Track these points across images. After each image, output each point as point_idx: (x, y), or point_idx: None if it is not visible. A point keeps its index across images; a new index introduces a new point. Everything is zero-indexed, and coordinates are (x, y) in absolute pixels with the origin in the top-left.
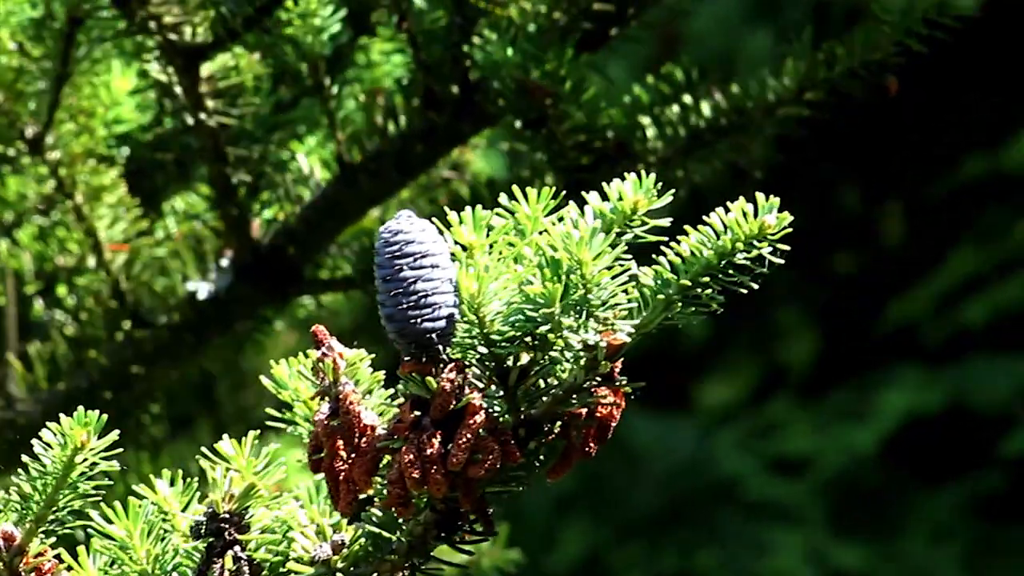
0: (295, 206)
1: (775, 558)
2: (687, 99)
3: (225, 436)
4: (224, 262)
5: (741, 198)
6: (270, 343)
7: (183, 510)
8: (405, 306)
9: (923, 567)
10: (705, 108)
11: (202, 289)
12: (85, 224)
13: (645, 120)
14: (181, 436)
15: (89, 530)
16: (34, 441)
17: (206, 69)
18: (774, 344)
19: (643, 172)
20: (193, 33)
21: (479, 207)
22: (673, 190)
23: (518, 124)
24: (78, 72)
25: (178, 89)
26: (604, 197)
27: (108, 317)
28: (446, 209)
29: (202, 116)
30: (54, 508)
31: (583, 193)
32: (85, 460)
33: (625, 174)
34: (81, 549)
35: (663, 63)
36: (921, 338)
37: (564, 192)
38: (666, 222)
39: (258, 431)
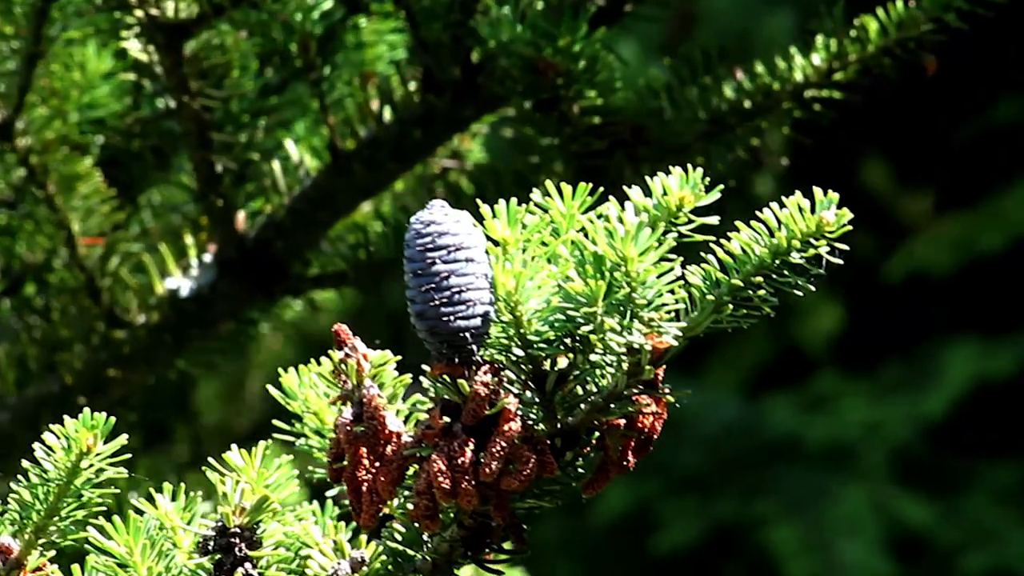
0: (283, 197)
1: (839, 507)
2: (707, 80)
3: (234, 447)
4: (207, 257)
5: (797, 192)
6: (253, 350)
7: (187, 525)
8: (437, 302)
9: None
10: (727, 90)
11: (183, 286)
12: (57, 216)
13: (662, 103)
14: (157, 447)
15: (86, 546)
16: (36, 445)
17: (189, 47)
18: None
19: (689, 168)
20: (176, 8)
21: (513, 200)
22: (722, 186)
23: (527, 106)
24: (51, 52)
25: (159, 69)
26: (647, 192)
27: (82, 317)
28: (478, 202)
29: (185, 98)
30: (56, 518)
31: (624, 188)
32: (91, 466)
33: (641, 161)
34: (76, 567)
35: (677, 44)
36: (972, 309)
37: (577, 180)
38: (714, 220)
39: (268, 441)
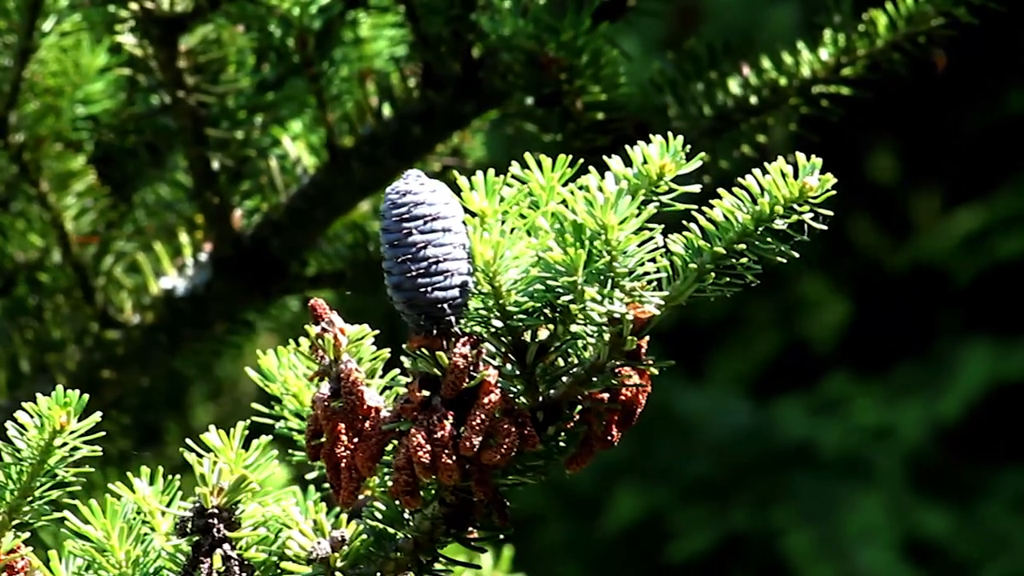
0: (280, 195)
1: (855, 514)
2: (712, 76)
3: (211, 428)
4: (202, 256)
5: (780, 158)
6: (247, 348)
7: (166, 508)
8: (414, 273)
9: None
10: (733, 85)
11: (179, 286)
12: (50, 214)
13: (667, 98)
14: (150, 449)
15: (63, 530)
16: (8, 423)
17: (185, 42)
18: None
19: (670, 136)
20: (171, 2)
21: (491, 171)
22: (703, 154)
23: (529, 101)
24: (44, 47)
25: (154, 64)
26: (627, 162)
27: (75, 317)
28: (455, 174)
29: (180, 94)
30: (29, 498)
31: (604, 158)
32: (64, 444)
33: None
34: (53, 553)
35: (680, 40)
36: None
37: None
38: (695, 188)
39: (248, 421)
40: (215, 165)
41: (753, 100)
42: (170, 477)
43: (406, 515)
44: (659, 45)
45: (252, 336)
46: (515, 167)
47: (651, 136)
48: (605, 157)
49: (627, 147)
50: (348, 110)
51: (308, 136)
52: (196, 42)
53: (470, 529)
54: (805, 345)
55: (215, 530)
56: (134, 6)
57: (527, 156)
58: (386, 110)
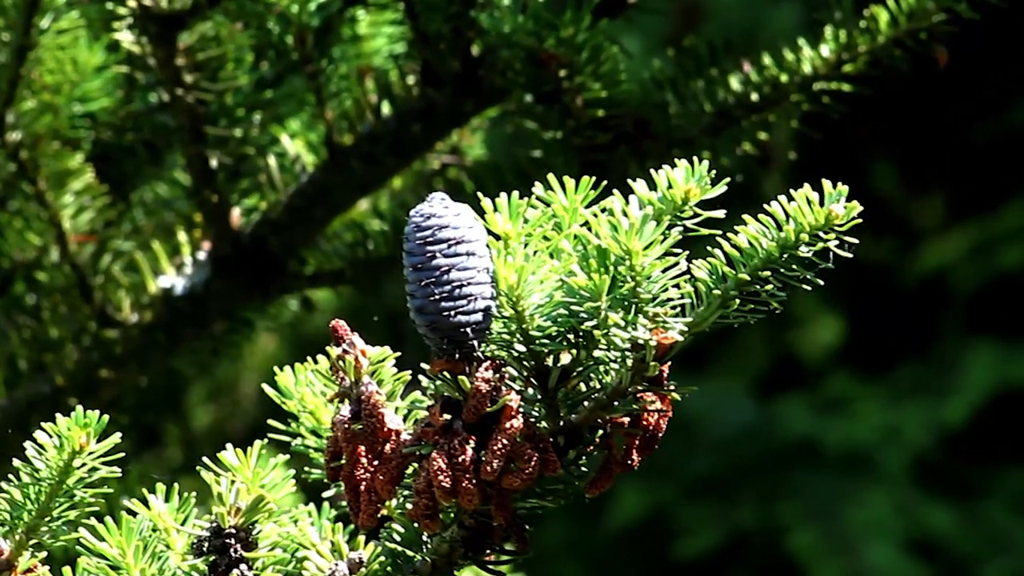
0: (279, 193)
1: (861, 511)
2: (713, 73)
3: (228, 447)
4: (201, 255)
5: (806, 185)
6: (247, 349)
7: (180, 526)
8: (437, 297)
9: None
10: (734, 82)
11: (177, 285)
12: (48, 213)
13: (667, 95)
14: (149, 450)
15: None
16: (27, 443)
17: (183, 39)
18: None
19: (695, 160)
20: None
21: (515, 193)
22: (728, 179)
23: (529, 99)
24: (42, 44)
25: (152, 61)
26: (651, 185)
27: (73, 316)
28: (479, 196)
29: (178, 91)
30: (47, 518)
31: (628, 182)
32: (83, 465)
33: (646, 155)
34: (67, 570)
35: (682, 39)
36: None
37: (580, 175)
38: (720, 214)
39: (264, 440)
40: (213, 163)
41: (754, 97)
42: (186, 495)
43: (424, 537)
44: (662, 44)
45: (251, 335)
46: (538, 189)
47: (651, 133)
48: (630, 181)
49: (627, 144)
50: (347, 108)
51: (307, 134)
52: (194, 39)
53: (488, 552)
54: (801, 359)
55: (232, 550)
56: (132, 3)
57: (550, 178)
58: (385, 108)
